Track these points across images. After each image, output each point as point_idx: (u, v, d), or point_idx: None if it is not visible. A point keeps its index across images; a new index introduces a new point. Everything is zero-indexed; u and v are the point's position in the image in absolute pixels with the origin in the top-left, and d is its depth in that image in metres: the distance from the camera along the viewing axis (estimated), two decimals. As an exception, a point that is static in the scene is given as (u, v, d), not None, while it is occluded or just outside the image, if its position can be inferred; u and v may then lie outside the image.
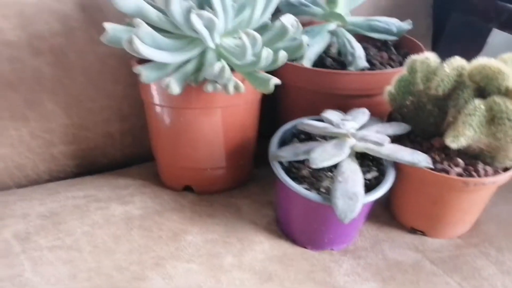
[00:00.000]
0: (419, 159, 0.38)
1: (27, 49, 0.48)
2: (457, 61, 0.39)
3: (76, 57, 0.50)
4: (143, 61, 0.40)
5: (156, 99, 0.44)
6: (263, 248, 0.42)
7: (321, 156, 0.36)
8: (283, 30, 0.38)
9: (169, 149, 0.47)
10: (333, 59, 0.51)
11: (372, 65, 0.50)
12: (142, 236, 0.42)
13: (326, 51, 0.51)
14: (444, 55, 0.42)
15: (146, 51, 0.36)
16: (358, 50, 0.47)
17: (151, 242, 0.41)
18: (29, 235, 0.42)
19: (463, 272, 0.41)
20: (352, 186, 0.37)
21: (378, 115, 0.47)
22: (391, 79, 0.45)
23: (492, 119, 0.37)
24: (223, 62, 0.37)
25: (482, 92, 0.38)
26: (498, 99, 0.36)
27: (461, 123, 0.37)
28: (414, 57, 0.41)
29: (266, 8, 0.40)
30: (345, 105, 0.46)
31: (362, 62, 0.47)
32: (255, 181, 0.51)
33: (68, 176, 0.55)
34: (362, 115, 0.42)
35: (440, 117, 0.41)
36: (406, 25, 0.51)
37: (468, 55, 0.41)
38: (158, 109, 0.45)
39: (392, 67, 0.51)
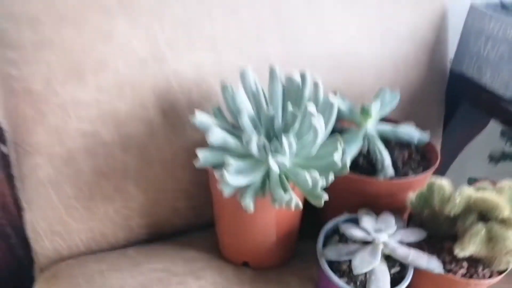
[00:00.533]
0: (434, 266, 0.50)
1: (118, 146, 0.60)
2: (466, 191, 0.50)
3: (156, 152, 0.62)
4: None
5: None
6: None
7: (361, 264, 0.48)
8: (333, 164, 0.49)
9: (231, 233, 0.59)
10: (363, 156, 0.62)
11: (395, 166, 0.61)
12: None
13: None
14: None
15: (232, 180, 0.48)
16: (387, 160, 0.59)
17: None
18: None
19: None
20: (382, 283, 0.49)
21: (399, 208, 0.59)
22: (412, 185, 0.57)
23: (491, 238, 0.49)
24: (291, 194, 0.49)
25: (484, 216, 0.50)
26: (495, 225, 0.48)
27: (467, 239, 0.49)
28: (433, 180, 0.53)
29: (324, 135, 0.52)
30: (374, 202, 0.58)
31: (390, 171, 0.58)
32: (299, 255, 0.63)
33: (139, 241, 0.67)
34: (391, 224, 0.53)
35: (450, 228, 0.53)
36: (426, 136, 0.63)
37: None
38: (225, 202, 0.57)
39: (411, 166, 0.63)
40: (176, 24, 0.59)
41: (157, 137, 0.61)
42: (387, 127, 0.63)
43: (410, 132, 0.63)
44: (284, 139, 0.48)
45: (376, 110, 0.61)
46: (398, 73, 0.75)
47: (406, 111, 0.78)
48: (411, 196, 0.56)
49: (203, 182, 0.65)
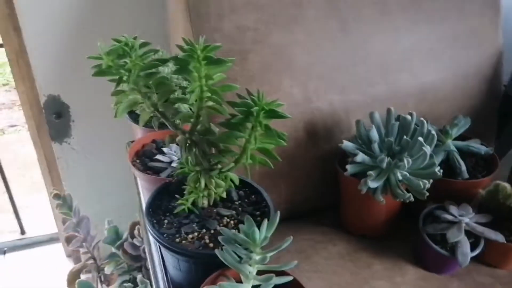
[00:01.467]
0: (499, 238, 0.78)
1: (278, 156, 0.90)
2: (520, 190, 0.78)
3: (299, 159, 0.91)
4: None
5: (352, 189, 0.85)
6: (410, 270, 0.83)
7: (452, 236, 0.77)
8: (434, 173, 0.78)
9: (356, 215, 0.89)
10: (445, 164, 0.90)
11: (468, 171, 0.89)
12: (357, 267, 0.84)
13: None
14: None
15: (371, 184, 0.76)
16: (463, 167, 0.87)
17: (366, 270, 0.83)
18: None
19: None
20: (465, 249, 0.77)
21: (472, 200, 0.87)
22: (481, 184, 0.85)
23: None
24: (406, 192, 0.77)
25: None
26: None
27: (521, 222, 0.77)
28: (497, 182, 0.80)
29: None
30: (455, 196, 0.86)
31: (465, 174, 0.86)
32: (401, 230, 0.92)
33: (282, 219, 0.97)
34: (468, 211, 0.82)
35: (509, 214, 0.81)
36: (490, 150, 0.90)
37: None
38: (353, 195, 0.86)
39: (479, 171, 0.90)
40: (319, 78, 0.88)
41: (301, 149, 0.91)
42: (462, 143, 0.90)
43: (479, 146, 0.90)
44: (405, 158, 0.76)
45: (454, 132, 0.89)
46: (465, 101, 1.02)
47: (470, 128, 1.05)
48: (481, 192, 0.84)
49: (327, 178, 0.94)
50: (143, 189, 0.85)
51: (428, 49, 0.97)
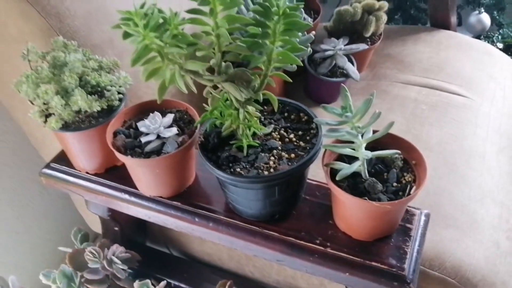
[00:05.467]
0: (363, 47, 1.01)
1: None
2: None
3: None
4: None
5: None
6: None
7: (342, 61, 0.96)
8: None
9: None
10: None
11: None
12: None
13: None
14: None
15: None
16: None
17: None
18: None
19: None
20: (352, 67, 0.98)
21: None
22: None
23: (374, 21, 1.02)
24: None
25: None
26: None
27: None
28: (337, 9, 1.01)
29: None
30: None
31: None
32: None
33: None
34: (334, 41, 1.01)
35: (358, 24, 1.04)
36: None
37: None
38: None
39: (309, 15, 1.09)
40: None
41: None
42: None
43: None
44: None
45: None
46: None
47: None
48: (325, 25, 1.04)
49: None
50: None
51: None
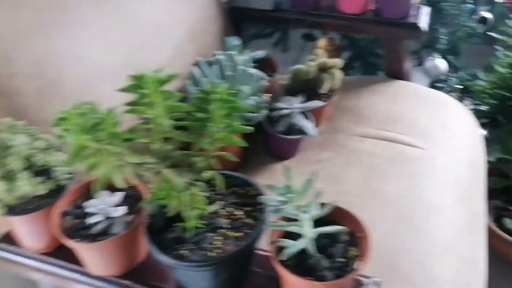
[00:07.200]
0: (316, 104, 1.03)
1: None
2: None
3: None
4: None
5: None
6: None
7: (299, 120, 0.98)
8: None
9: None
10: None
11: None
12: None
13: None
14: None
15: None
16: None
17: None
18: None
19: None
20: (310, 124, 1.00)
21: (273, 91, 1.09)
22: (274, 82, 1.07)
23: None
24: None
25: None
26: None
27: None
28: (293, 67, 1.03)
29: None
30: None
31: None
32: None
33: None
34: (291, 99, 1.03)
35: (314, 82, 1.06)
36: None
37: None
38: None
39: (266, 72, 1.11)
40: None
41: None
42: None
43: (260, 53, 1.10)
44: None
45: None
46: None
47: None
48: (282, 82, 1.06)
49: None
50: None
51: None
